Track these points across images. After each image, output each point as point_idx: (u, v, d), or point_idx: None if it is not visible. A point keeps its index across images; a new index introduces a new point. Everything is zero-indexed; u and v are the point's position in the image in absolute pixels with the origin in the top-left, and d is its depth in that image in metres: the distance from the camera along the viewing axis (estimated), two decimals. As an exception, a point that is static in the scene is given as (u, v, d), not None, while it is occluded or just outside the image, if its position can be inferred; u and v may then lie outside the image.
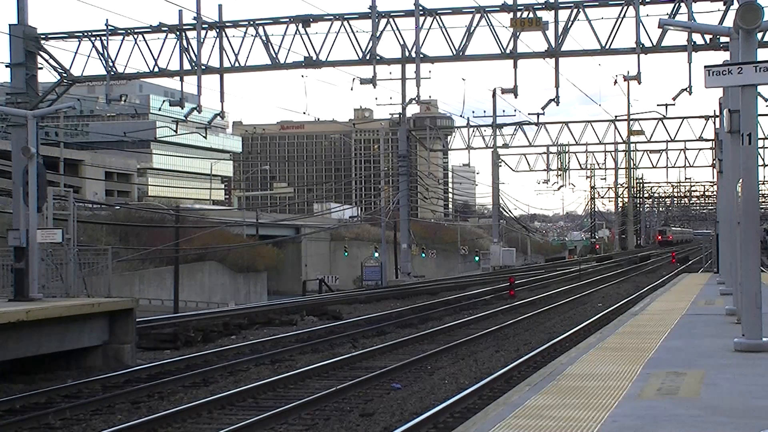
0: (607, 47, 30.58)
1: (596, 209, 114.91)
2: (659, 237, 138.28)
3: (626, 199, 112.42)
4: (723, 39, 26.98)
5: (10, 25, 32.13)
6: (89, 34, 33.04)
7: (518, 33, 30.99)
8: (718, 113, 33.35)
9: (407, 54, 32.12)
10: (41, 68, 32.93)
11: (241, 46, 32.41)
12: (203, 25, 32.21)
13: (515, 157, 71.94)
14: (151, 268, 62.58)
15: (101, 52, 32.90)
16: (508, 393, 11.02)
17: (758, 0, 13.16)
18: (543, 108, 35.31)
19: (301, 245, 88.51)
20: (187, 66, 32.57)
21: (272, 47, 32.25)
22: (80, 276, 24.63)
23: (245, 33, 32.45)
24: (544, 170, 72.47)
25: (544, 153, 70.50)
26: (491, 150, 67.80)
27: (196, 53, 32.26)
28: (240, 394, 16.81)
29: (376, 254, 67.85)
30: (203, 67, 32.31)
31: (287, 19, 32.27)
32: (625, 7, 30.04)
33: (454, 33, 31.55)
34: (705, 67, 13.12)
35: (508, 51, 31.33)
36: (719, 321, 17.98)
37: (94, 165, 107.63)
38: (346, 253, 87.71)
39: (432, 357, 21.71)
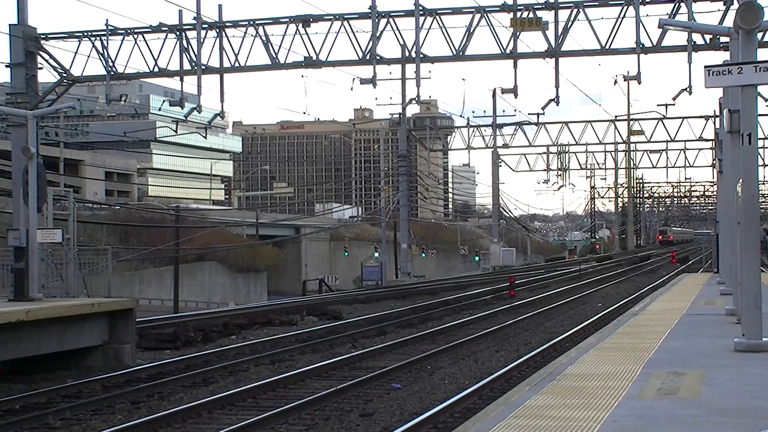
0: (607, 47, 30.57)
1: (596, 209, 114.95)
2: (660, 237, 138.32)
3: (626, 199, 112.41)
4: (723, 39, 26.97)
5: (10, 25, 32.14)
6: (89, 34, 33.03)
7: (518, 33, 30.99)
8: (718, 113, 33.35)
9: (407, 54, 32.11)
10: (41, 68, 32.93)
11: (241, 46, 32.44)
12: (203, 25, 32.21)
13: (515, 157, 72.04)
14: (151, 268, 62.58)
15: (101, 52, 32.90)
16: (508, 393, 11.02)
17: (758, 0, 13.16)
18: (543, 108, 35.31)
19: (301, 245, 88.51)
20: (187, 66, 32.56)
21: (272, 47, 32.25)
22: (80, 276, 24.63)
23: (245, 33, 32.45)
24: (544, 170, 72.48)
25: (544, 153, 70.51)
26: (491, 150, 67.82)
27: (196, 53, 32.26)
28: (240, 394, 16.81)
29: (376, 254, 67.87)
30: (203, 67, 32.31)
31: (287, 19, 32.27)
32: (625, 7, 30.03)
33: (454, 33, 31.59)
34: (705, 67, 13.12)
35: (508, 51, 31.32)
36: (719, 321, 17.98)
37: (94, 165, 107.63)
38: (346, 253, 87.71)
39: (432, 357, 21.71)
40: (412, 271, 59.64)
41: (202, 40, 32.22)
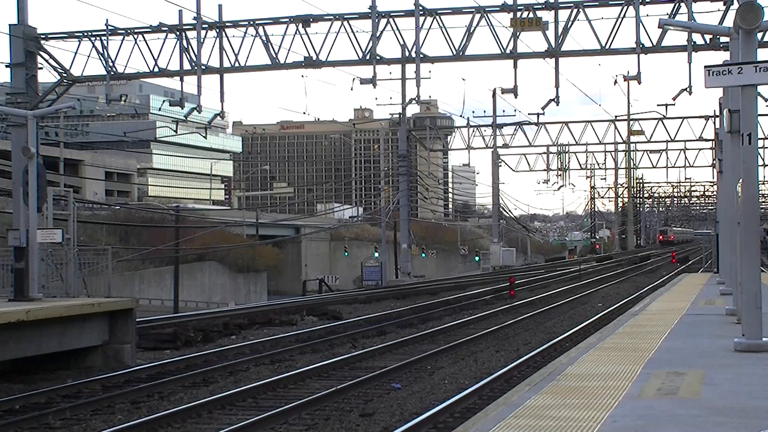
0: (607, 47, 30.57)
1: (596, 209, 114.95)
2: (660, 237, 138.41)
3: (626, 199, 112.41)
4: (723, 39, 26.97)
5: (10, 25, 32.14)
6: (89, 34, 33.03)
7: (518, 33, 30.98)
8: (718, 113, 33.35)
9: (407, 54, 32.11)
10: (41, 68, 32.93)
11: (241, 46, 32.43)
12: (203, 25, 32.20)
13: (515, 157, 72.04)
14: (151, 268, 62.58)
15: (101, 52, 32.90)
16: (508, 393, 11.02)
17: (758, 0, 13.16)
18: (543, 108, 35.31)
19: (301, 245, 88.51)
20: (187, 66, 32.56)
21: (272, 47, 32.25)
22: (80, 276, 24.63)
23: (245, 33, 32.45)
24: (544, 170, 72.47)
25: (544, 153, 70.50)
26: (491, 150, 67.82)
27: (196, 53, 32.26)
28: (240, 394, 16.81)
29: (376, 254, 67.86)
30: (203, 67, 32.31)
31: (287, 19, 32.27)
32: (625, 7, 30.03)
33: (454, 33, 31.59)
34: (705, 67, 13.12)
35: (508, 51, 31.32)
36: (719, 321, 17.98)
37: (94, 165, 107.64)
38: (346, 253, 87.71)
39: (432, 357, 21.71)
40: (412, 271, 59.65)
41: (202, 40, 32.22)
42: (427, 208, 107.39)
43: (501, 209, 75.08)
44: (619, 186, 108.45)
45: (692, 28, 26.65)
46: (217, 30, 32.39)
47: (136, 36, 32.84)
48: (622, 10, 30.10)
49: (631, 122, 63.89)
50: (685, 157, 70.81)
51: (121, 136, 76.53)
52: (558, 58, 31.30)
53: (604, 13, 30.86)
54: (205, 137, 52.56)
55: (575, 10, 30.60)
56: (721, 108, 23.53)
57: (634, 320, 19.13)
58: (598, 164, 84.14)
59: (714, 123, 54.56)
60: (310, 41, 31.97)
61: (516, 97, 33.39)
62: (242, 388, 17.37)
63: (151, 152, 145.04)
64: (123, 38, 32.98)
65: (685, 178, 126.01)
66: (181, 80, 33.05)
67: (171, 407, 15.85)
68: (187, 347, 25.13)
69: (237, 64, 32.52)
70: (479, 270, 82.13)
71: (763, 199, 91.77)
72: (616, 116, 67.53)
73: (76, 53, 33.10)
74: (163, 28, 32.64)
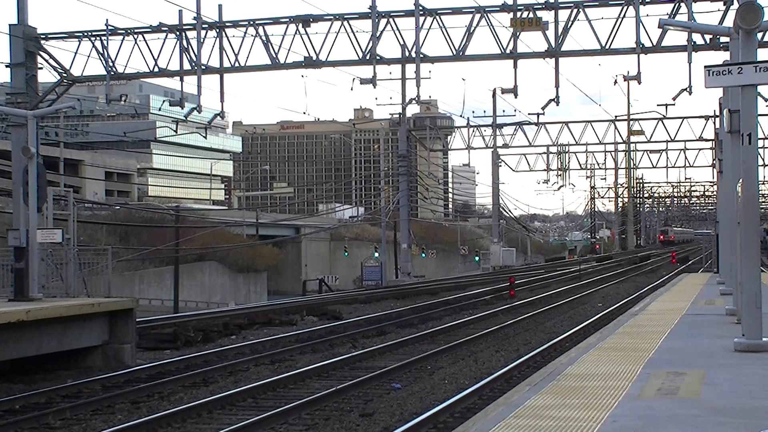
0: (607, 47, 30.57)
1: (596, 209, 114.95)
2: (661, 237, 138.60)
3: (626, 199, 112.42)
4: (723, 39, 26.97)
5: (10, 25, 32.14)
6: (89, 34, 33.03)
7: (518, 33, 30.99)
8: (718, 113, 33.34)
9: (407, 54, 32.11)
10: (41, 68, 32.93)
11: (241, 46, 32.44)
12: (203, 25, 32.21)
13: (515, 157, 72.05)
14: (151, 268, 62.58)
15: (101, 52, 32.90)
16: (508, 393, 11.02)
17: (758, 0, 13.16)
18: (543, 108, 35.31)
19: (301, 245, 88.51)
20: (187, 66, 32.57)
21: (272, 47, 32.25)
22: (80, 276, 24.63)
23: (245, 33, 32.45)
24: (544, 170, 72.48)
25: (544, 153, 70.51)
26: (491, 150, 67.83)
27: (196, 53, 32.26)
28: (240, 394, 16.81)
29: (376, 254, 67.85)
30: (203, 67, 32.31)
31: (287, 19, 32.27)
32: (625, 7, 30.03)
33: (454, 33, 31.59)
34: (705, 67, 13.12)
35: (508, 51, 31.32)
36: (719, 321, 17.98)
37: (94, 165, 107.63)
38: (346, 253, 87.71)
39: (432, 357, 21.71)
40: (412, 271, 59.64)
41: (202, 40, 32.22)
42: (427, 208, 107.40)
43: (501, 209, 75.09)
44: (619, 186, 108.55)
45: (692, 28, 26.64)
46: (217, 30, 32.40)
47: (136, 36, 32.85)
48: (622, 10, 30.11)
49: (631, 122, 63.91)
50: (685, 157, 70.86)
51: (121, 136, 76.52)
52: (558, 58, 31.30)
53: (604, 13, 30.90)
54: (205, 137, 52.56)
55: (575, 10, 30.60)
56: (721, 108, 23.53)
57: (634, 320, 19.13)
58: (598, 164, 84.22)
59: (714, 123, 54.56)
60: (310, 41, 32.00)
61: (516, 97, 33.43)
62: (242, 388, 17.37)
63: (151, 152, 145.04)
64: (123, 38, 32.98)
65: (685, 178, 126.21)
66: (181, 80, 33.06)
67: (171, 407, 15.85)
68: (187, 347, 25.13)
69: (237, 64, 32.52)
70: (479, 270, 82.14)
71: (763, 199, 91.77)
72: (616, 116, 67.60)
73: (76, 53, 33.15)
74: (163, 28, 32.64)
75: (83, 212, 57.60)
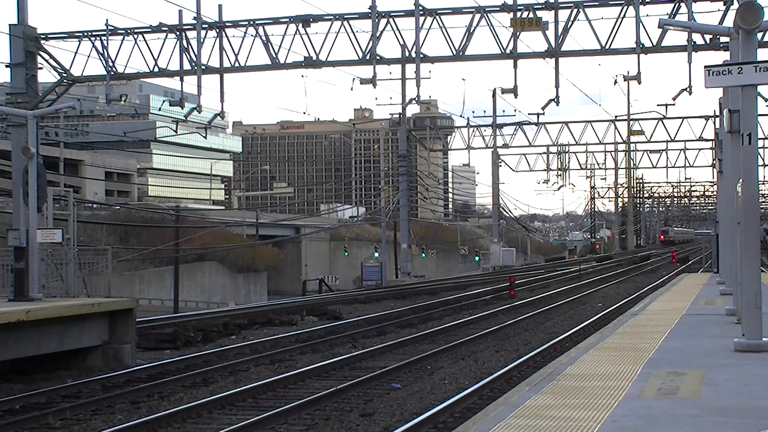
0: (607, 47, 30.57)
1: (596, 209, 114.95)
2: (662, 237, 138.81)
3: (626, 199, 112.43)
4: (723, 39, 26.97)
5: (10, 25, 32.14)
6: (89, 34, 33.03)
7: (518, 33, 30.99)
8: (718, 113, 33.35)
9: (407, 54, 32.11)
10: (41, 68, 32.93)
11: (241, 46, 32.44)
12: (203, 25, 32.21)
13: (515, 157, 72.04)
14: (151, 268, 62.56)
15: (101, 52, 32.90)
16: (508, 393, 11.02)
17: (758, 0, 13.16)
18: (543, 108, 35.32)
19: (301, 245, 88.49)
20: (187, 66, 32.57)
21: (272, 47, 32.25)
22: (80, 276, 24.63)
23: (245, 33, 32.45)
24: (544, 170, 72.49)
25: (544, 153, 70.51)
26: (491, 150, 67.83)
27: (196, 53, 32.26)
28: (240, 394, 16.81)
29: (376, 254, 67.85)
30: (203, 67, 32.31)
31: (287, 19, 32.27)
32: (625, 7, 30.03)
33: (454, 33, 31.59)
34: (705, 67, 13.12)
35: (508, 51, 31.32)
36: (719, 321, 17.98)
37: (94, 165, 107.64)
38: (346, 253, 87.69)
39: (432, 357, 21.71)
40: (412, 271, 59.64)
41: (202, 40, 32.22)
42: (427, 208, 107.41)
43: (501, 209, 75.08)
44: (619, 186, 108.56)
45: (692, 28, 26.65)
46: (217, 30, 32.40)
47: (136, 36, 32.85)
48: (622, 10, 30.11)
49: (631, 122, 63.92)
50: (685, 157, 70.86)
51: (121, 136, 76.53)
52: (558, 58, 31.31)
53: (604, 13, 30.90)
54: (205, 137, 52.56)
55: (575, 10, 30.60)
56: (721, 108, 23.53)
57: (634, 320, 19.13)
58: (598, 164, 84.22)
59: (714, 123, 54.56)
60: (310, 41, 32.00)
61: (516, 97, 33.43)
62: (242, 388, 17.37)
63: (151, 152, 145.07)
64: (123, 38, 32.98)
65: (685, 178, 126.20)
66: (181, 80, 33.06)
67: (171, 407, 15.86)
68: (187, 347, 25.13)
69: (237, 64, 32.52)
70: (479, 270, 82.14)
71: (763, 199, 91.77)
72: (616, 116, 67.64)
73: (76, 53, 33.15)
74: (163, 28, 32.64)
75: (83, 212, 57.61)
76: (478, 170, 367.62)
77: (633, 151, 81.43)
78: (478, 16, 31.25)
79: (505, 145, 66.06)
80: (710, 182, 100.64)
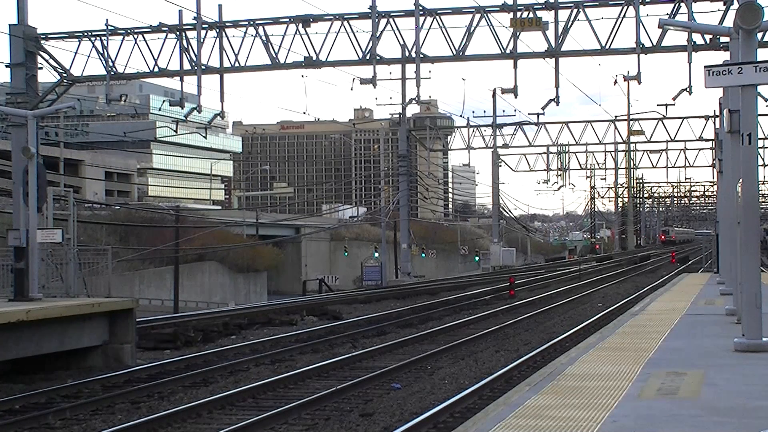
0: (607, 47, 30.58)
1: (596, 209, 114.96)
2: (663, 237, 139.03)
3: (626, 199, 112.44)
4: (723, 39, 26.98)
5: (10, 25, 32.15)
6: (89, 34, 33.04)
7: (518, 33, 30.99)
8: (718, 113, 33.35)
9: (407, 54, 32.12)
10: (41, 68, 32.95)
11: (241, 46, 32.45)
12: (203, 25, 32.22)
13: (515, 157, 72.06)
14: (151, 268, 62.56)
15: (101, 52, 32.91)
16: (508, 393, 11.02)
17: (758, 0, 13.16)
18: (543, 108, 35.36)
19: (301, 245, 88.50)
20: (187, 66, 32.58)
21: (272, 47, 32.26)
22: (80, 276, 24.63)
23: (245, 33, 32.47)
24: (544, 170, 72.50)
25: (544, 153, 70.53)
26: (491, 150, 67.85)
27: (196, 53, 32.27)
28: (240, 394, 16.80)
29: (376, 254, 67.86)
30: (203, 67, 32.32)
31: (287, 19, 32.28)
32: (625, 7, 30.04)
33: (454, 33, 31.61)
34: (705, 67, 13.12)
35: (508, 51, 31.33)
36: (719, 321, 17.98)
37: (94, 165, 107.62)
38: (346, 253, 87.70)
39: (432, 357, 21.71)
40: (412, 271, 59.63)
41: (202, 40, 32.23)
42: (427, 208, 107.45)
43: (501, 209, 75.09)
44: (619, 186, 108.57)
45: (692, 28, 26.66)
46: (217, 30, 32.41)
47: (136, 36, 32.86)
48: (622, 10, 30.12)
49: (631, 122, 63.94)
50: (685, 157, 70.88)
51: (121, 136, 76.53)
52: (558, 58, 31.32)
53: (604, 13, 30.92)
54: (205, 137, 52.58)
55: (575, 10, 30.61)
56: (721, 108, 23.53)
57: (634, 320, 19.13)
58: (598, 164, 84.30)
59: (714, 123, 54.57)
60: (310, 41, 32.01)
61: (516, 97, 33.45)
62: (242, 388, 17.37)
63: (151, 152, 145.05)
64: (123, 38, 32.99)
65: (685, 178, 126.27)
66: (181, 80, 33.07)
67: (171, 407, 15.85)
68: (187, 347, 25.12)
69: (237, 64, 32.53)
70: (479, 270, 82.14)
71: (763, 199, 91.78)
72: (616, 116, 67.66)
73: (76, 53, 33.17)
74: (163, 28, 32.65)
75: (83, 212, 57.58)
76: (478, 170, 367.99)
77: (633, 151, 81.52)
78: (478, 16, 31.26)
79: (505, 145, 66.08)
80: (710, 182, 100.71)
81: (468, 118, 76.14)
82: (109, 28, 32.98)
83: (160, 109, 73.30)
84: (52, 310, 20.09)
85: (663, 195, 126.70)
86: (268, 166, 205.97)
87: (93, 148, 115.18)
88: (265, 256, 74.72)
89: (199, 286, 65.77)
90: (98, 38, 32.95)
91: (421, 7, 31.70)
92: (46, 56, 32.87)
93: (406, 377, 19.00)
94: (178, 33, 32.50)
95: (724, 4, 28.99)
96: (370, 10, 31.82)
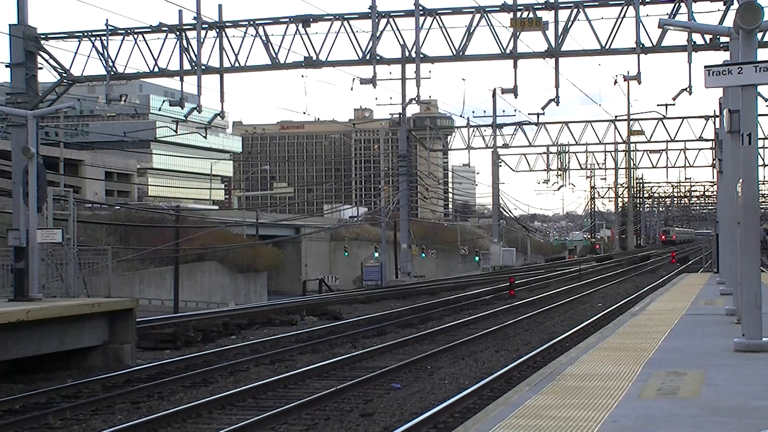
0: (607, 47, 30.58)
1: (596, 209, 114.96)
2: (663, 237, 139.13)
3: (626, 199, 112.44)
4: (723, 39, 26.98)
5: (10, 25, 32.15)
6: (89, 34, 33.05)
7: (518, 33, 31.00)
8: (718, 113, 33.35)
9: (407, 54, 32.12)
10: (41, 68, 32.94)
11: (241, 46, 32.45)
12: (203, 25, 32.22)
13: (515, 157, 72.08)
14: (151, 268, 62.56)
15: (101, 52, 32.91)
16: (508, 393, 11.02)
17: (758, 0, 13.16)
18: (543, 108, 35.36)
19: (301, 245, 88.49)
20: (187, 66, 32.57)
21: (272, 47, 32.26)
22: (80, 276, 24.63)
23: (245, 33, 32.47)
24: (544, 170, 72.52)
25: (544, 153, 70.54)
26: (491, 150, 67.85)
27: (196, 53, 32.27)
28: (240, 394, 16.80)
29: (376, 254, 67.85)
30: (203, 67, 32.32)
31: (287, 19, 32.28)
32: (625, 7, 30.04)
33: (454, 33, 31.61)
34: (705, 67, 13.12)
35: (508, 51, 31.33)
36: (719, 321, 17.98)
37: (94, 165, 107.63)
38: (346, 253, 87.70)
39: (432, 357, 21.71)
40: (412, 271, 59.64)
41: (202, 40, 32.23)
42: (427, 208, 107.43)
43: (501, 209, 75.09)
44: (619, 186, 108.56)
45: (692, 28, 26.65)
46: (217, 30, 32.41)
47: (136, 36, 32.86)
48: (622, 10, 30.12)
49: (631, 122, 63.96)
50: (685, 157, 70.90)
51: (121, 136, 76.54)
52: (558, 58, 31.32)
53: (604, 13, 30.92)
54: (205, 137, 52.57)
55: (575, 10, 30.61)
56: (721, 108, 23.53)
57: (634, 320, 19.13)
58: (598, 164, 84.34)
59: (714, 123, 54.57)
60: (310, 41, 32.01)
61: (516, 97, 33.46)
62: (242, 388, 17.37)
63: (151, 152, 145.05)
64: (123, 38, 33.00)
65: (685, 178, 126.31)
66: (181, 80, 33.07)
67: (171, 407, 15.85)
68: (187, 347, 25.12)
69: (237, 64, 32.53)
70: (479, 270, 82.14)
71: (763, 199, 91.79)
72: (616, 116, 67.68)
73: (76, 53, 33.17)
74: (163, 28, 32.65)
75: (83, 212, 57.54)
76: (478, 170, 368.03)
77: (633, 151, 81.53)
78: (478, 16, 31.26)
79: (505, 145, 66.09)
80: (710, 182, 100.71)
81: (468, 118, 76.25)
82: (109, 28, 32.98)
83: (160, 109, 73.33)
84: (52, 310, 20.09)
85: (663, 195, 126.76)
86: (268, 166, 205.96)
87: (93, 148, 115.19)
88: (265, 256, 74.72)
89: (199, 286, 65.77)
90: (98, 38, 32.95)
91: (421, 7, 31.70)
92: (46, 56, 32.88)
93: (406, 377, 19.00)
94: (178, 33, 32.50)
95: (724, 4, 28.99)
96: (370, 10, 31.82)
